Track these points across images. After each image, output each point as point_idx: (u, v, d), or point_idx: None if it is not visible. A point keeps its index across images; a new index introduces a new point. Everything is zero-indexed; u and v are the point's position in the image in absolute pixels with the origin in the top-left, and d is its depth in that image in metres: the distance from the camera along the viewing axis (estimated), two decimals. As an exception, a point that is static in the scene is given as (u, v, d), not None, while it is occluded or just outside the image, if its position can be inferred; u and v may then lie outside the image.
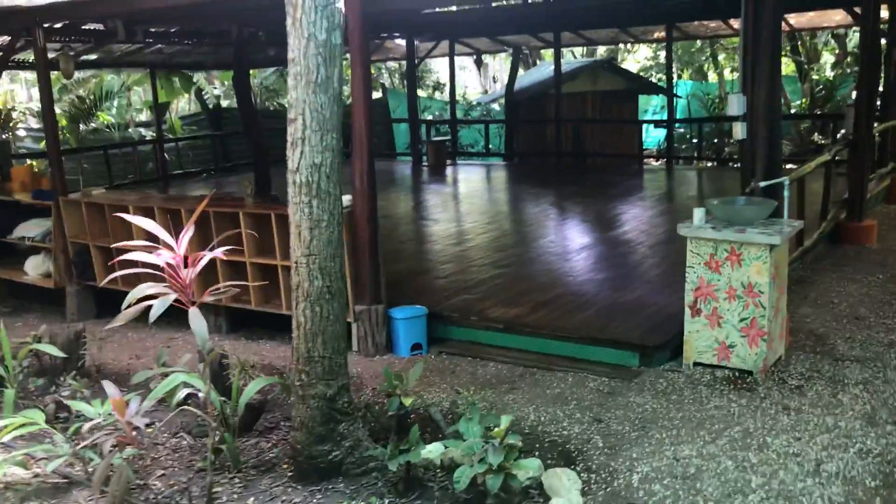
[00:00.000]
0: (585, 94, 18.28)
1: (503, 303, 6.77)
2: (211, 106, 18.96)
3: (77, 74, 17.12)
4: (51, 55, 13.89)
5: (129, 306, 3.87)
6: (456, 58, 19.37)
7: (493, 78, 24.17)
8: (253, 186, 7.14)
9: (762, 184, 5.71)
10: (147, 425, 4.33)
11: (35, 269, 8.78)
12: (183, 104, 22.63)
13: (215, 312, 7.43)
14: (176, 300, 4.03)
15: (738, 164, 16.50)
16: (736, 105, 5.87)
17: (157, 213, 7.44)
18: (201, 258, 4.08)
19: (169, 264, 4.00)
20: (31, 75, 18.09)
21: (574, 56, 24.20)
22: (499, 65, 25.51)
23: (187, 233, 4.07)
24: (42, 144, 16.36)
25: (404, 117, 18.74)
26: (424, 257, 8.67)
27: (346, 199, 6.50)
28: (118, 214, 6.02)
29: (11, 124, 15.09)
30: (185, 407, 4.42)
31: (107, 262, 8.08)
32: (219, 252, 4.15)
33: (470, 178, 15.63)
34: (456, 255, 8.63)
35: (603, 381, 5.57)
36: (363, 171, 6.32)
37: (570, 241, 9.13)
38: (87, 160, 16.21)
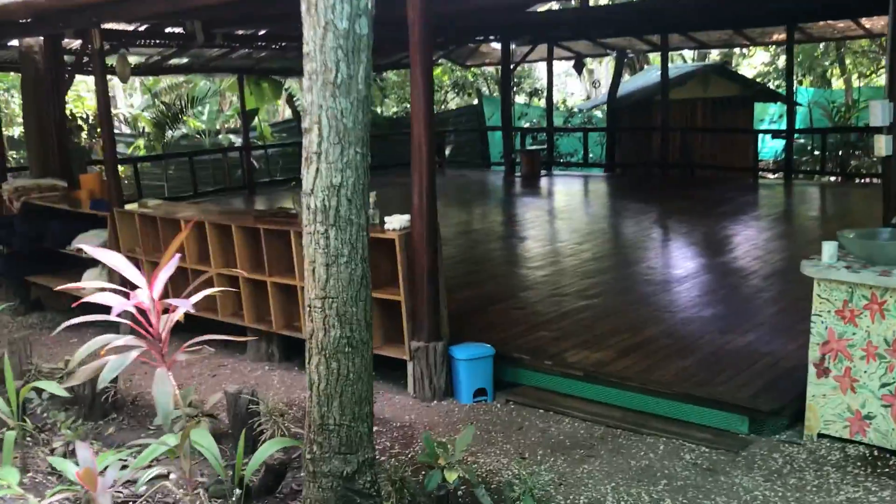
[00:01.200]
0: (695, 101, 16.91)
1: (586, 344, 5.78)
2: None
3: (167, 80, 17.07)
4: (136, 59, 13.76)
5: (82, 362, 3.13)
6: (556, 62, 18.38)
7: (595, 83, 22.95)
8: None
9: (913, 213, 4.54)
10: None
11: (92, 282, 8.33)
12: (277, 111, 22.44)
13: (267, 339, 6.74)
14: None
15: (866, 180, 14.91)
16: (880, 113, 4.71)
17: (207, 229, 6.82)
18: (175, 309, 3.31)
19: (140, 310, 3.24)
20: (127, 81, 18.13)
21: (684, 60, 22.74)
22: (603, 70, 24.31)
23: (163, 271, 3.30)
24: (131, 150, 16.34)
25: (499, 125, 17.88)
26: (502, 282, 7.74)
27: (405, 219, 5.68)
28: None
29: (99, 130, 14.98)
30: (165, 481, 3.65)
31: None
32: (188, 304, 3.35)
33: (565, 191, 14.60)
34: (538, 281, 7.68)
35: (702, 451, 4.52)
36: (423, 188, 5.47)
37: (672, 268, 8.02)
38: (175, 167, 16.06)
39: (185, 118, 16.60)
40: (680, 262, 8.26)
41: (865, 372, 4.29)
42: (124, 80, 8.93)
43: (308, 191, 3.30)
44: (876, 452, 4.32)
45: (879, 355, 4.23)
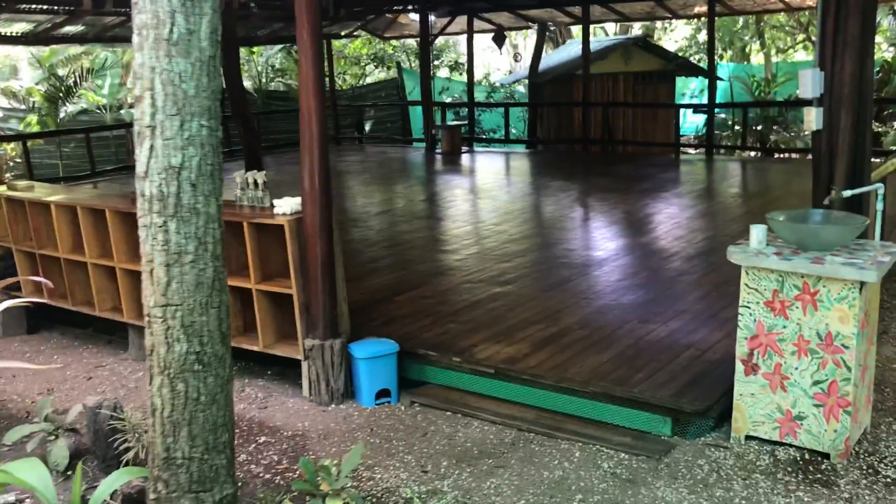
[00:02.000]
0: (617, 76, 16.62)
1: (498, 336, 5.29)
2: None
3: (64, 51, 15.89)
4: (24, 27, 12.66)
5: None
6: (478, 36, 17.83)
7: (516, 57, 22.45)
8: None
9: (846, 193, 4.15)
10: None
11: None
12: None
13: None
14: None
15: (786, 155, 14.85)
16: (810, 83, 4.30)
17: (79, 213, 6.07)
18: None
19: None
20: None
21: (606, 34, 22.46)
22: (527, 44, 23.84)
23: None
24: (22, 127, 15.17)
25: (419, 99, 17.27)
26: (413, 268, 7.20)
27: (295, 202, 5.08)
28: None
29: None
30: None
31: (34, 270, 6.76)
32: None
33: (485, 168, 14.11)
34: (451, 266, 7.16)
35: (622, 458, 4.08)
36: (314, 168, 4.86)
37: (591, 250, 7.60)
38: (73, 145, 14.97)
39: (81, 91, 15.44)
40: (599, 244, 7.85)
41: (797, 369, 3.90)
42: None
43: (142, 174, 2.68)
44: (807, 456, 3.95)
45: (812, 350, 3.85)
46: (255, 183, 5.44)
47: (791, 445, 4.01)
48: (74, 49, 16.20)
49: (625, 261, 7.11)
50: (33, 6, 11.33)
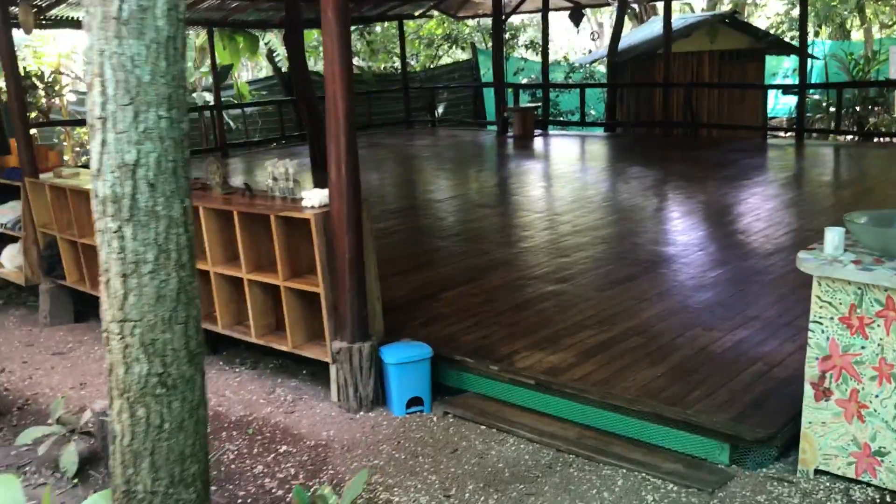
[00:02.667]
0: (701, 54, 15.74)
1: (544, 342, 4.85)
2: (284, 69, 17.50)
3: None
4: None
5: None
6: (556, 14, 17.20)
7: (594, 35, 21.62)
8: (223, 170, 5.47)
9: (945, 190, 3.53)
10: None
11: (11, 260, 7.45)
12: (260, 67, 21.33)
13: (187, 329, 5.83)
14: None
15: (885, 139, 13.71)
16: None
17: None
18: None
19: None
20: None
21: (692, 11, 21.41)
22: (608, 22, 22.98)
23: None
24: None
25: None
26: (466, 261, 6.78)
27: (324, 194, 4.73)
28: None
29: (57, 87, 14.01)
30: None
31: (76, 259, 6.66)
32: None
33: (557, 153, 13.55)
34: (506, 260, 6.72)
35: (669, 490, 3.60)
36: (341, 159, 4.49)
37: (660, 244, 7.03)
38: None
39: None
40: (670, 237, 7.26)
41: (877, 397, 3.34)
42: (28, 30, 7.87)
43: (94, 172, 2.35)
44: (888, 498, 3.39)
45: (896, 376, 3.28)
46: (287, 173, 5.12)
47: (869, 484, 3.45)
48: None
49: (696, 257, 6.52)
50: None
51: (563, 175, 11.26)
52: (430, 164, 12.92)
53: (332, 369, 4.76)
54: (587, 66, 19.68)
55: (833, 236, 3.45)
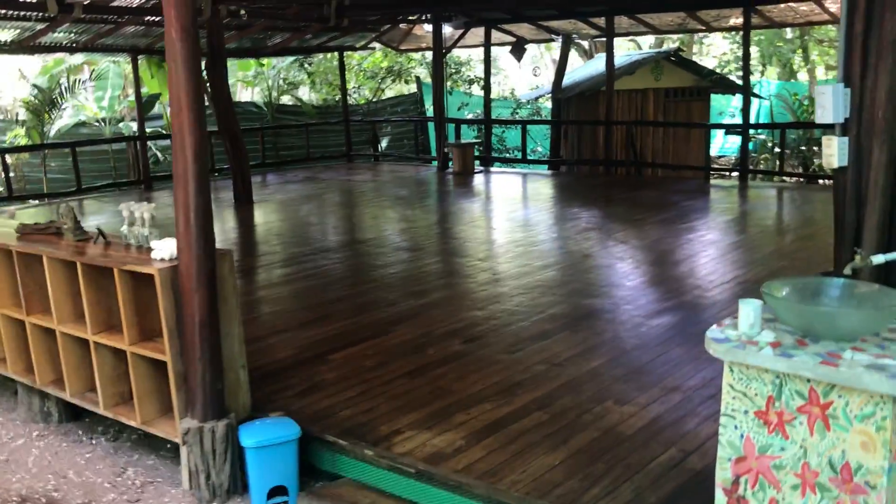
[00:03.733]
0: (646, 92, 15.41)
1: (435, 417, 4.19)
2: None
3: (62, 62, 15.24)
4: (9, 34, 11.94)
5: None
6: (499, 49, 16.81)
7: (534, 71, 21.31)
8: (74, 215, 4.77)
9: (877, 258, 2.97)
10: None
11: None
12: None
13: (41, 395, 5.09)
14: None
15: (829, 181, 13.44)
16: (831, 104, 3.14)
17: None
18: None
19: None
20: None
21: (639, 48, 21.22)
22: (551, 56, 22.70)
23: None
24: (8, 140, 14.50)
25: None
26: (368, 314, 6.12)
27: (171, 246, 4.06)
28: None
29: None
30: None
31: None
32: None
33: (493, 191, 13.00)
34: (411, 314, 6.07)
35: None
36: (189, 205, 3.83)
37: (586, 296, 6.44)
38: (62, 159, 14.28)
39: (76, 104, 14.73)
40: (595, 289, 6.68)
41: (800, 509, 2.73)
42: None
43: None
44: None
45: (821, 486, 2.68)
46: (143, 217, 4.44)
47: None
48: (76, 59, 15.56)
49: (621, 312, 5.94)
50: (10, 12, 10.61)
51: (496, 216, 10.70)
52: (360, 201, 12.29)
53: (183, 452, 4.06)
54: (533, 101, 19.31)
55: (748, 312, 2.86)
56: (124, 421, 4.40)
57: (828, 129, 3.44)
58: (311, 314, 6.18)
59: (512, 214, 10.79)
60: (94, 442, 4.86)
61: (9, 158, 14.04)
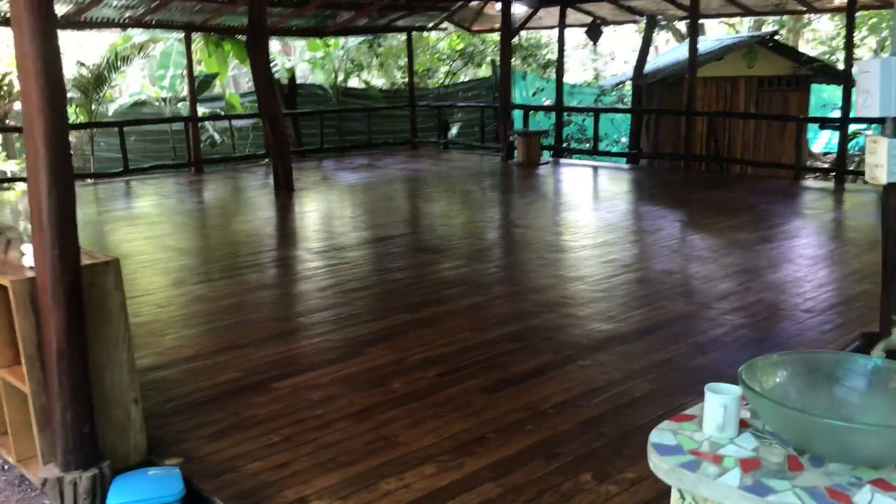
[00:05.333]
0: (736, 80, 13.97)
1: (358, 482, 3.30)
2: (283, 80, 16.30)
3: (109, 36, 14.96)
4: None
5: None
6: (576, 30, 15.65)
7: (611, 55, 19.91)
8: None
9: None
10: None
11: None
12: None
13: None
14: None
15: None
16: (878, 88, 2.05)
17: None
18: None
19: None
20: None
21: (737, 31, 19.54)
22: (664, 39, 21.18)
23: None
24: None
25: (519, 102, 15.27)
26: (340, 332, 5.27)
27: (27, 254, 3.29)
28: None
29: (12, 91, 12.99)
30: None
31: None
32: None
33: (553, 186, 11.92)
34: (393, 333, 5.17)
35: None
36: (43, 203, 3.05)
37: (604, 320, 5.39)
38: (131, 138, 14.04)
39: (121, 80, 14.42)
40: (619, 313, 5.60)
41: None
42: None
43: None
44: None
45: None
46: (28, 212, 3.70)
47: None
48: (142, 37, 15.29)
49: (636, 347, 4.88)
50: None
51: (540, 215, 9.64)
52: (403, 193, 11.46)
53: (45, 504, 3.31)
54: (614, 88, 18.02)
55: (716, 408, 1.86)
56: (4, 455, 3.70)
57: (873, 123, 2.35)
58: (285, 325, 5.38)
59: (558, 216, 9.70)
60: None
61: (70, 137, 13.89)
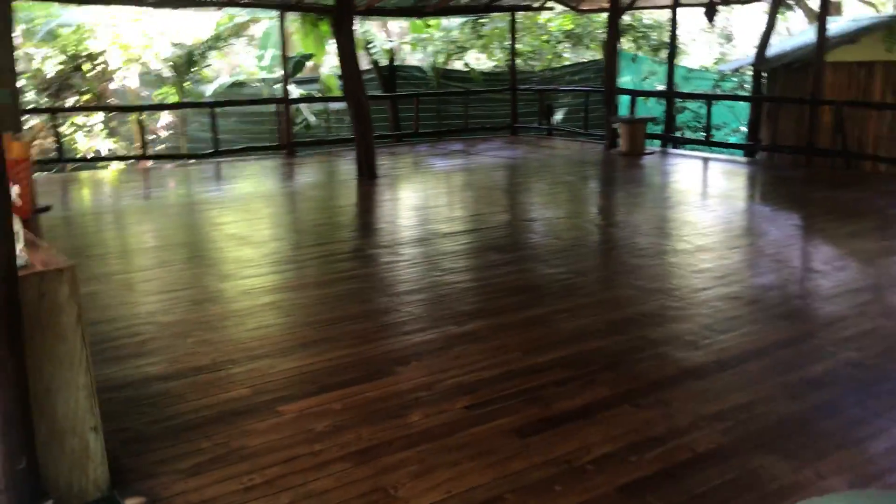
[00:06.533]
0: (873, 65, 12.53)
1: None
2: (382, 62, 15.89)
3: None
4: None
5: None
6: (689, 10, 14.50)
7: (728, 37, 18.39)
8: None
9: None
10: None
11: None
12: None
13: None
14: None
15: None
16: None
17: None
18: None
19: None
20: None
21: (878, 10, 17.75)
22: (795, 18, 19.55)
23: None
24: (158, 95, 14.35)
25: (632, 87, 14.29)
26: (379, 339, 4.71)
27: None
28: None
29: (108, 70, 13.06)
30: None
31: None
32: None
33: (660, 179, 10.97)
34: (439, 344, 4.57)
35: None
36: (-33, 203, 2.59)
37: (689, 338, 4.61)
38: (231, 119, 14.01)
39: (216, 60, 14.31)
40: (681, 340, 4.80)
41: None
42: None
43: None
44: None
45: None
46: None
47: None
48: (243, 17, 15.20)
49: (708, 383, 4.09)
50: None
51: (632, 213, 8.76)
52: (489, 183, 10.80)
53: (-17, 545, 2.89)
54: (738, 73, 16.69)
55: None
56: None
57: None
58: (316, 332, 4.86)
59: (648, 212, 8.80)
60: None
61: (166, 117, 13.97)
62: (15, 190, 3.37)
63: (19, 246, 3.14)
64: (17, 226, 3.32)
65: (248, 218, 8.55)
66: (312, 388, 4.02)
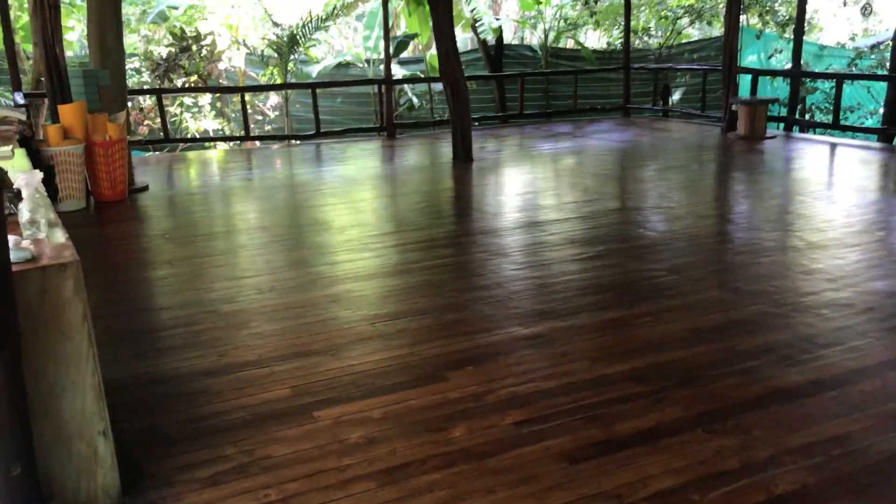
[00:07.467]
0: None
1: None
2: (491, 41, 15.48)
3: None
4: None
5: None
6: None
7: (864, 10, 16.80)
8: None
9: None
10: None
11: None
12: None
13: None
14: None
15: None
16: None
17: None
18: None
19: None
20: None
21: None
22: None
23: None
24: (265, 76, 14.45)
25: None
26: (442, 338, 4.39)
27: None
28: None
29: (216, 51, 13.18)
30: None
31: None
32: None
33: (778, 166, 10.11)
34: (500, 348, 4.22)
35: None
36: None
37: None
38: (337, 100, 14.01)
39: (310, 41, 14.23)
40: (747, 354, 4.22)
41: None
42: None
43: None
44: None
45: None
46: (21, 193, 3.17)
47: None
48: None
49: (795, 408, 3.55)
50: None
51: (740, 203, 8.06)
52: (587, 168, 10.24)
53: (-14, 550, 2.77)
54: (877, 50, 15.32)
55: None
56: (-10, 472, 3.24)
57: None
58: (371, 328, 4.58)
59: (759, 203, 8.06)
60: None
61: (274, 98, 14.09)
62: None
63: (31, 238, 3.00)
64: (40, 215, 3.20)
65: (331, 203, 8.39)
66: (354, 393, 3.75)
